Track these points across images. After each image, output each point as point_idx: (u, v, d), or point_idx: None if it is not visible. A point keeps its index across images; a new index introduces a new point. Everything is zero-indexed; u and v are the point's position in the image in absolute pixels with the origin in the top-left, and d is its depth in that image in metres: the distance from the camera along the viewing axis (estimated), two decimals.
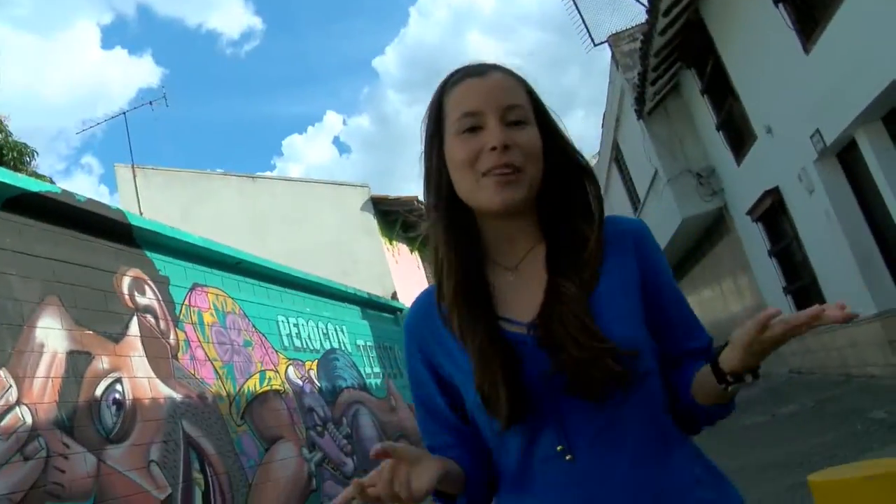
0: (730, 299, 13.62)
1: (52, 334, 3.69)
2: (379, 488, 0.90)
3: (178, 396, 4.56)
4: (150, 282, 4.82)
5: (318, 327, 7.44)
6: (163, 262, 5.07)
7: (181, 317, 5.04)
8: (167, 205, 14.51)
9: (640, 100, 11.56)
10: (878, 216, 7.31)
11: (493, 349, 1.02)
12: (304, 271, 7.52)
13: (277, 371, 6.10)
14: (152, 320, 4.66)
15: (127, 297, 4.50)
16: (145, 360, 4.40)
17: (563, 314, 1.00)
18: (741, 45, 8.76)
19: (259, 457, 5.22)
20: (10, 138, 11.99)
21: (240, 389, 5.39)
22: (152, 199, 14.81)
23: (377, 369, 8.77)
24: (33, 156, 12.39)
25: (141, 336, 4.45)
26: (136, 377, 4.25)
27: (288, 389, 6.13)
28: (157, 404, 4.32)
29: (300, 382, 6.45)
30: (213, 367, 5.15)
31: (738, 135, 10.08)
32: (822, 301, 8.61)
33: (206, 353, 5.14)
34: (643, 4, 9.87)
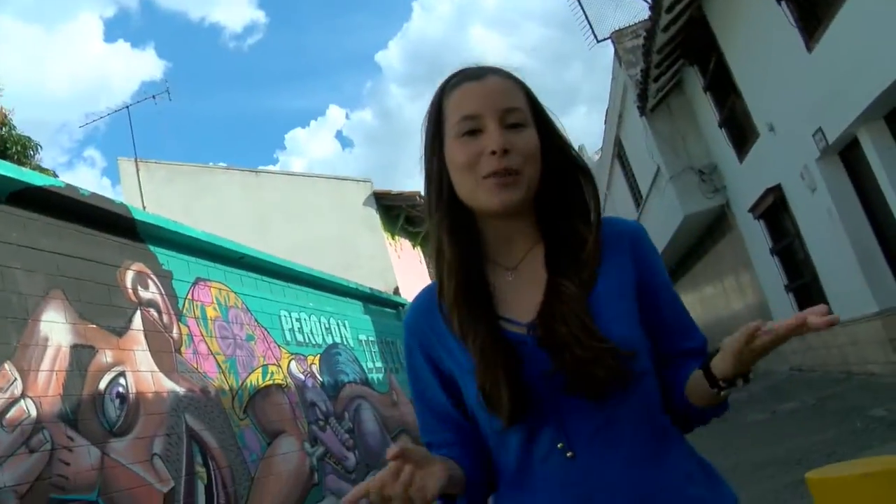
0: (731, 297, 13.61)
1: (56, 328, 3.70)
2: (395, 489, 0.88)
3: (180, 390, 4.58)
4: (153, 276, 4.84)
5: (320, 322, 7.46)
6: (166, 257, 5.08)
7: (184, 311, 5.05)
8: (170, 198, 14.52)
9: (642, 96, 11.54)
10: (879, 215, 7.31)
11: (494, 349, 1.03)
12: (307, 266, 7.54)
13: (280, 365, 6.11)
14: (155, 314, 4.67)
15: (130, 291, 4.51)
16: (148, 354, 4.41)
17: (564, 314, 1.02)
18: (744, 43, 8.75)
19: (261, 451, 5.25)
20: (13, 132, 12.01)
21: (242, 384, 5.41)
22: (155, 192, 14.81)
23: (379, 364, 8.78)
24: (37, 149, 12.45)
25: (144, 330, 4.46)
26: (140, 371, 4.27)
27: (290, 384, 6.15)
28: (160, 398, 4.33)
29: (302, 377, 6.47)
30: (216, 361, 5.17)
31: (741, 132, 10.07)
32: (823, 299, 8.64)
33: (208, 348, 5.15)
34: (646, 1, 9.84)
